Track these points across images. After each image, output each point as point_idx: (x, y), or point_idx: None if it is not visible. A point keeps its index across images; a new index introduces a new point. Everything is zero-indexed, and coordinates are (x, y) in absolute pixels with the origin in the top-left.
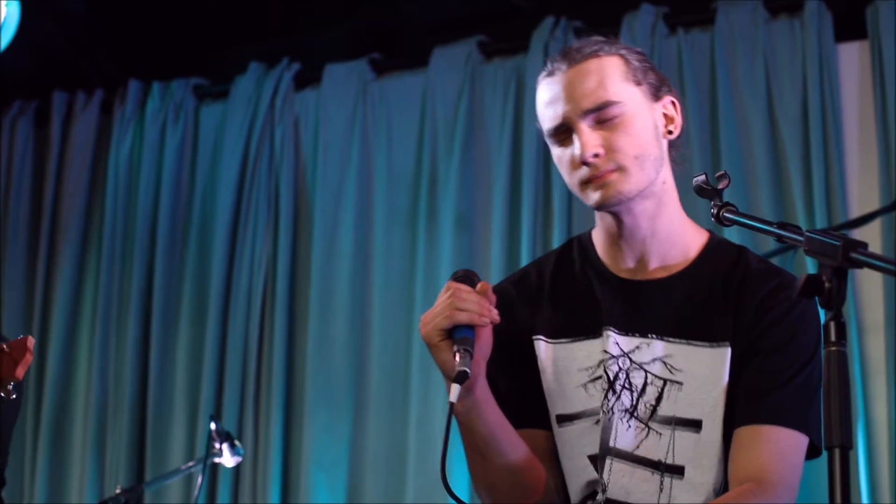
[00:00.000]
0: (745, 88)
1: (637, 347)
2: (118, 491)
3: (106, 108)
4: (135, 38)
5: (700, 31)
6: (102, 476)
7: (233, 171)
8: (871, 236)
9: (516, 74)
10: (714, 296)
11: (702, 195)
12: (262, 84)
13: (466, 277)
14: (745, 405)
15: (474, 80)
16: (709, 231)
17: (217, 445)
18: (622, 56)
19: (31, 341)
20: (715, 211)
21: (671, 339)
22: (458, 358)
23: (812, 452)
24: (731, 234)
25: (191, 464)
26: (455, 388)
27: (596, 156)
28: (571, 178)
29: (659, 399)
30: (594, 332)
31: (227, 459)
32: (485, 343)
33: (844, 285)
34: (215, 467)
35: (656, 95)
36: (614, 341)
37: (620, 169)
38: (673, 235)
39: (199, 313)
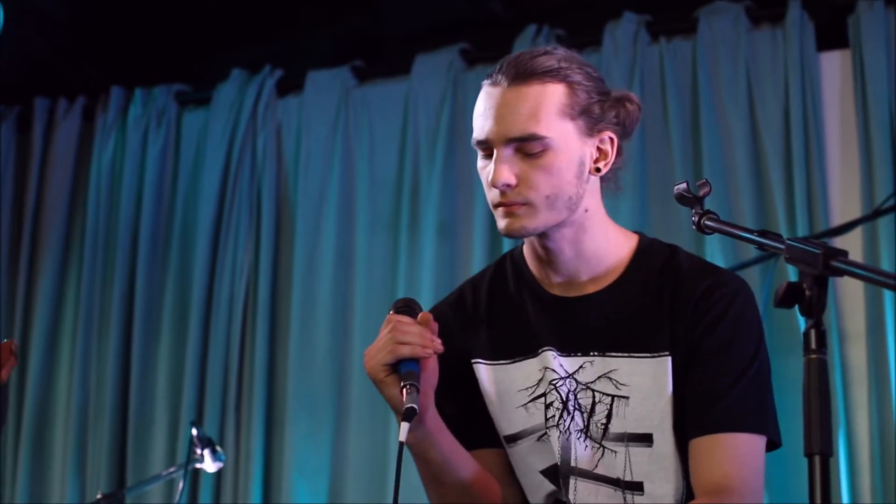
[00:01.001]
0: (728, 97)
1: (581, 367)
2: (99, 496)
3: (88, 114)
4: (117, 44)
5: (682, 40)
6: (83, 481)
7: (215, 177)
8: (853, 245)
9: None
10: (648, 304)
11: (683, 203)
12: (244, 91)
13: (407, 307)
14: (696, 415)
15: (456, 87)
16: (638, 234)
17: (198, 451)
18: (569, 84)
19: (15, 345)
20: (696, 219)
21: (612, 354)
22: (405, 394)
23: (770, 446)
24: (713, 242)
25: (172, 469)
26: (405, 427)
27: (508, 185)
28: (486, 192)
29: (609, 417)
30: (531, 352)
31: (209, 465)
32: (431, 373)
33: (825, 293)
34: (197, 473)
35: (592, 130)
36: (559, 363)
37: (528, 205)
38: (599, 252)
39: (180, 319)
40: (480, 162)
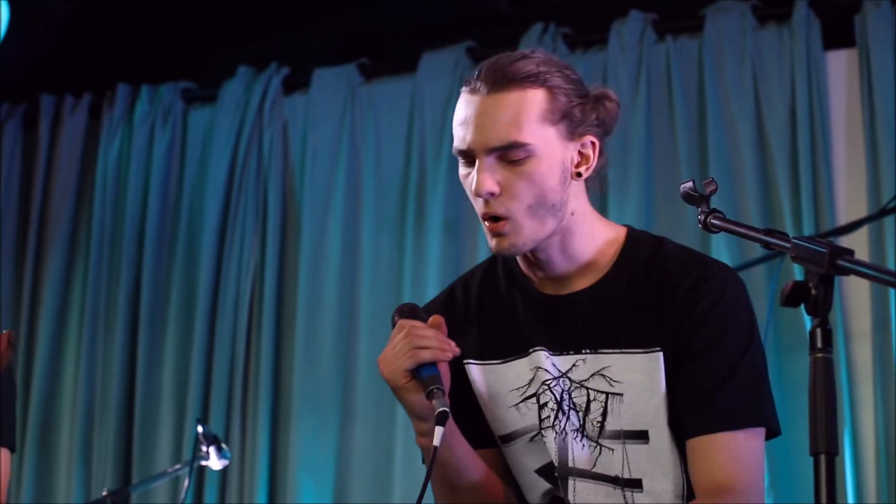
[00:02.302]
0: (734, 95)
1: (574, 365)
2: (104, 493)
3: (94, 111)
4: (123, 41)
5: (688, 38)
6: (89, 478)
7: (221, 175)
8: (859, 243)
9: None
10: (637, 298)
11: (689, 202)
12: (250, 88)
13: (414, 313)
14: (692, 414)
15: (463, 85)
16: (626, 227)
17: (204, 448)
18: (549, 89)
19: (13, 335)
20: (702, 217)
21: (604, 351)
22: (434, 399)
23: (770, 435)
24: (719, 241)
25: (177, 467)
26: (439, 431)
27: (491, 194)
28: (473, 203)
29: (605, 414)
30: (521, 352)
31: (214, 462)
32: (446, 377)
33: (831, 292)
34: (202, 470)
35: (573, 134)
36: (551, 363)
37: (510, 219)
38: (588, 251)
39: (186, 317)
40: (462, 170)
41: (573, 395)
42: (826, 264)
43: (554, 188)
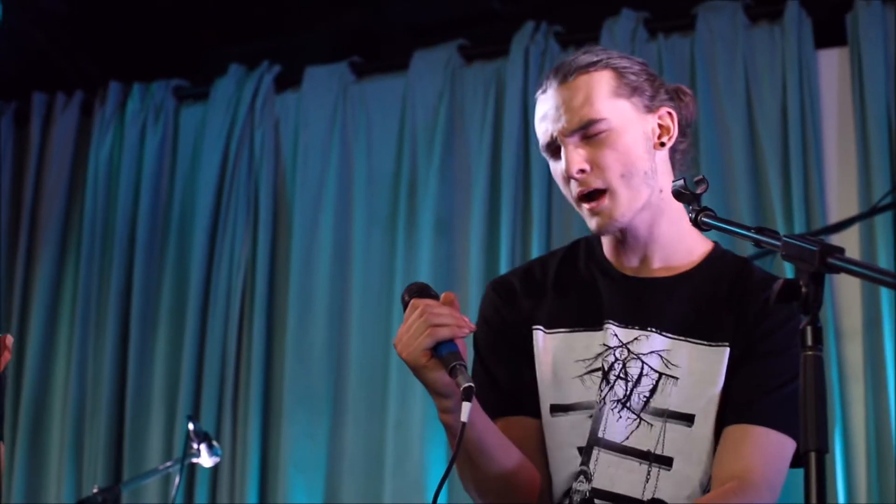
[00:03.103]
0: (725, 94)
1: (636, 339)
2: (95, 491)
3: (86, 109)
4: (115, 39)
5: (680, 37)
6: (80, 475)
7: (212, 173)
8: (850, 242)
9: (496, 78)
10: (716, 298)
11: (680, 199)
12: (242, 86)
13: (425, 292)
14: (736, 406)
15: (454, 83)
16: (714, 242)
17: (195, 446)
18: (614, 69)
19: (10, 339)
20: (693, 215)
21: (671, 336)
22: (458, 375)
23: (799, 461)
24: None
25: (168, 464)
26: (466, 407)
27: (582, 171)
28: (566, 192)
29: (653, 391)
30: (595, 325)
31: (205, 460)
32: (463, 352)
33: (821, 290)
34: (193, 468)
35: (650, 107)
36: (613, 333)
37: (609, 191)
38: (674, 240)
39: (177, 314)
40: (552, 164)
41: (627, 364)
42: (816, 262)
43: (641, 156)
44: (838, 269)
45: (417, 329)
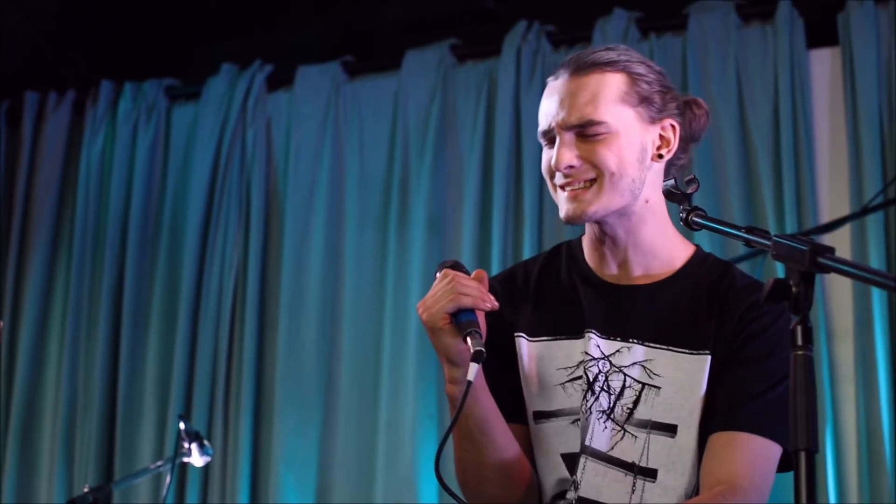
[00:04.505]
0: (717, 93)
1: (618, 351)
2: (86, 490)
3: (78, 108)
4: (107, 38)
5: (672, 36)
6: (71, 475)
7: (204, 172)
8: (841, 241)
9: (488, 78)
10: (697, 305)
11: (671, 199)
12: (234, 85)
13: (457, 266)
14: (720, 413)
15: (446, 83)
16: (696, 245)
17: (186, 445)
18: (629, 74)
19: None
20: (684, 215)
21: (652, 345)
22: (470, 340)
23: (786, 466)
24: (701, 239)
25: (159, 463)
26: (474, 367)
27: (570, 167)
28: (548, 181)
29: (636, 402)
30: (576, 333)
31: (196, 459)
32: (483, 330)
33: (812, 290)
34: (184, 467)
35: (654, 118)
36: (595, 343)
37: (597, 182)
38: (655, 247)
39: (169, 313)
40: (545, 154)
41: (610, 377)
42: (807, 262)
43: (633, 164)
44: (828, 269)
45: (443, 294)
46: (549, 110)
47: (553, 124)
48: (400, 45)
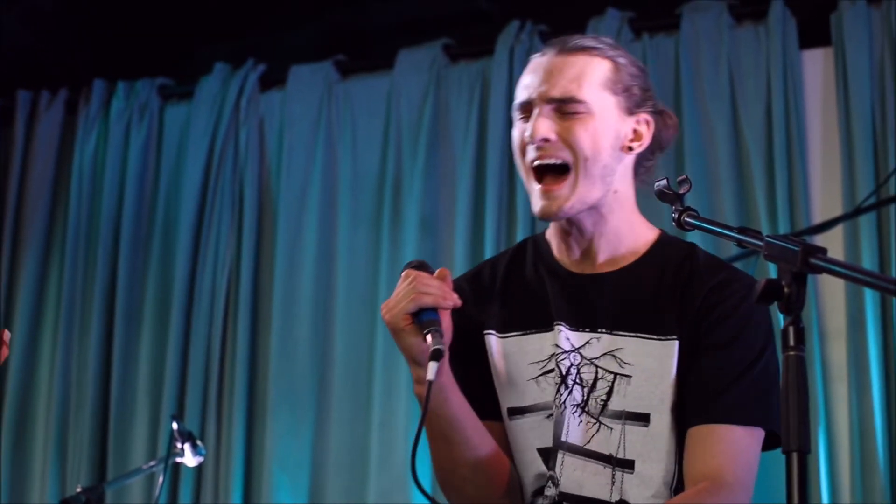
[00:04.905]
0: (710, 94)
1: (588, 343)
2: (79, 490)
3: (70, 107)
4: (101, 37)
5: (665, 37)
6: (64, 475)
7: (197, 171)
8: (834, 242)
9: (481, 78)
10: (662, 290)
11: (663, 199)
12: (227, 85)
13: (422, 266)
14: (697, 404)
15: (439, 82)
16: (660, 230)
17: (179, 445)
18: (614, 62)
19: (7, 335)
20: (676, 215)
21: (620, 333)
22: (429, 339)
23: (773, 443)
24: (694, 239)
25: (152, 463)
26: (433, 366)
27: (545, 140)
28: (519, 161)
29: (609, 394)
30: (545, 326)
31: (189, 459)
32: (447, 328)
33: (804, 290)
34: (177, 467)
35: (632, 110)
36: (565, 336)
37: (571, 171)
38: (620, 234)
39: (162, 313)
40: (518, 127)
41: (581, 370)
42: (799, 262)
43: (607, 149)
44: (821, 270)
45: (404, 294)
46: (530, 83)
47: (534, 96)
48: (393, 45)
